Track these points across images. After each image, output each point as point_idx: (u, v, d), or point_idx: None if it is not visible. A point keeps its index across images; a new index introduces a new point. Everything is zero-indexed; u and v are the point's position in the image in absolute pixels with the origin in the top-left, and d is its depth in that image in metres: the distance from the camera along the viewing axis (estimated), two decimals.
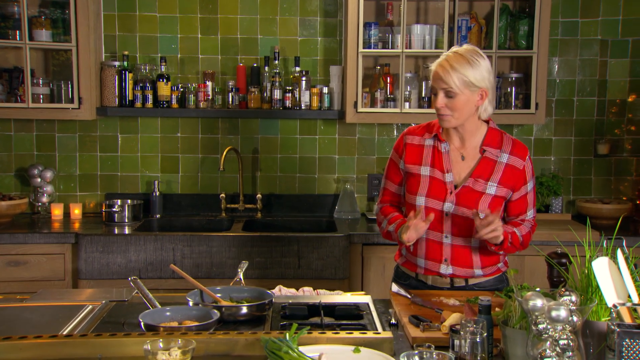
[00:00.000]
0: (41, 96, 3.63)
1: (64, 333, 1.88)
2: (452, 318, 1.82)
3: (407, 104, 3.79)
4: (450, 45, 3.68)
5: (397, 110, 3.75)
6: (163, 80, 3.77)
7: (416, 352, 1.60)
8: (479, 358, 1.53)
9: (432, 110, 3.73)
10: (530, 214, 2.33)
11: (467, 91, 2.20)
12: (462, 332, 1.56)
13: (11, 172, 3.89)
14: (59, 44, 3.64)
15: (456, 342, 1.57)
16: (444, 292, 2.28)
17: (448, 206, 2.28)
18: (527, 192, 2.30)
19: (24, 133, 3.87)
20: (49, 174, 3.79)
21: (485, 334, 1.55)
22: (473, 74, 2.18)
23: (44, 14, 3.64)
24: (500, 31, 3.73)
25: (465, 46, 2.26)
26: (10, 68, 3.70)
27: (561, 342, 1.37)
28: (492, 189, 2.26)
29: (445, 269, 2.31)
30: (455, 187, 2.29)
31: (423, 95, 3.84)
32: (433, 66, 2.25)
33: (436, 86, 2.23)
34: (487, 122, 2.34)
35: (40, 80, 3.63)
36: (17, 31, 3.57)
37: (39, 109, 3.60)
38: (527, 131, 4.04)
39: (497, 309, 1.84)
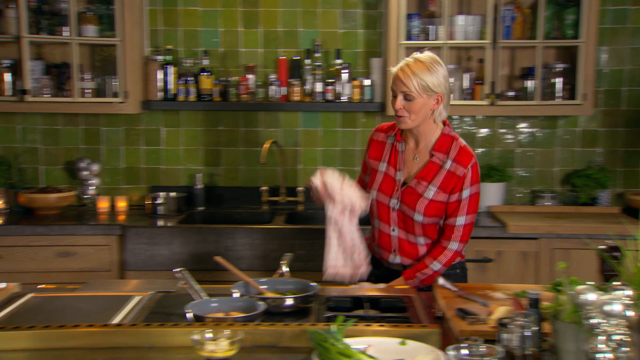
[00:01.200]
0: (88, 90, 3.70)
1: (115, 322, 1.92)
2: (499, 311, 1.80)
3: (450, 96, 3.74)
4: (494, 36, 3.62)
5: None
6: (205, 74, 3.81)
7: (464, 345, 1.58)
8: (528, 352, 1.51)
9: (474, 102, 3.73)
10: (460, 220, 2.41)
11: (424, 95, 2.34)
12: (511, 326, 1.54)
13: (59, 165, 3.98)
14: (104, 39, 3.71)
15: (504, 335, 1.55)
16: (490, 285, 2.26)
17: (394, 202, 2.47)
18: (461, 198, 2.40)
19: (71, 127, 3.95)
20: (95, 167, 3.87)
21: (536, 328, 1.53)
22: (431, 79, 2.33)
23: (90, 9, 3.70)
24: (546, 21, 3.66)
25: (426, 53, 2.40)
26: (59, 63, 3.78)
27: (615, 337, 1.34)
28: (430, 192, 2.41)
29: (393, 258, 2.52)
30: (403, 185, 2.46)
31: (466, 87, 3.79)
32: (394, 70, 2.39)
33: (396, 89, 2.37)
34: (444, 124, 2.47)
35: (87, 75, 3.70)
36: (65, 27, 3.64)
37: (85, 104, 3.68)
38: (573, 123, 3.97)
39: (544, 302, 1.81)
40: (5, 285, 2.19)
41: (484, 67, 3.71)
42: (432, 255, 2.44)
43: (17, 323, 1.87)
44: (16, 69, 3.68)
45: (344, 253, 2.42)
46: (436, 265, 2.43)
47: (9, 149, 3.93)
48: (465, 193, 2.40)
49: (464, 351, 1.56)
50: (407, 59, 2.38)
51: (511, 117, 3.97)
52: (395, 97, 2.37)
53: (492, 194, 3.84)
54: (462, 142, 2.45)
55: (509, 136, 4.01)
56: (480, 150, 4.01)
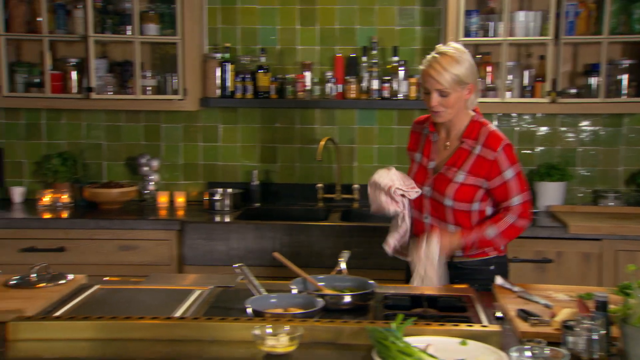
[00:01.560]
0: (149, 88, 3.78)
1: (177, 315, 1.96)
2: (563, 313, 1.76)
3: (508, 94, 3.69)
4: (557, 32, 3.54)
5: (497, 99, 3.66)
6: (263, 71, 3.85)
7: (527, 346, 1.56)
8: (596, 356, 1.48)
9: (535, 100, 3.66)
10: (515, 200, 2.42)
11: (458, 88, 2.38)
12: (577, 329, 1.51)
13: (121, 161, 4.08)
14: (165, 37, 3.79)
15: (570, 338, 1.52)
16: (551, 286, 2.22)
17: (427, 190, 2.51)
18: (505, 180, 2.41)
19: (132, 124, 4.05)
20: (155, 163, 3.96)
21: (603, 332, 1.49)
22: (462, 71, 2.36)
23: (152, 9, 3.79)
24: (612, 15, 3.55)
25: (450, 44, 2.44)
26: (121, 62, 3.88)
27: None
28: (460, 177, 2.44)
29: None
30: (435, 173, 2.50)
31: (526, 84, 3.72)
32: (424, 67, 2.41)
33: (430, 87, 2.39)
34: (474, 112, 2.51)
35: (149, 73, 3.79)
36: (128, 26, 3.73)
37: (146, 101, 3.76)
38: (638, 121, 3.84)
39: (612, 306, 1.76)
40: (72, 277, 2.26)
41: (545, 64, 3.62)
42: (492, 220, 2.45)
43: (85, 314, 1.93)
44: (82, 68, 3.80)
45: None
46: (492, 230, 2.42)
47: (75, 145, 4.06)
48: (508, 174, 2.41)
49: (527, 353, 1.54)
50: (434, 54, 2.40)
51: (573, 115, 3.87)
52: (428, 93, 2.40)
53: (551, 193, 3.75)
54: (492, 127, 2.48)
55: (570, 134, 3.91)
56: (539, 148, 3.93)
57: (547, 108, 3.66)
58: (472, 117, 2.49)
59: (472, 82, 2.41)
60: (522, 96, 3.72)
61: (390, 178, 2.52)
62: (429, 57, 2.41)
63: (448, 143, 2.51)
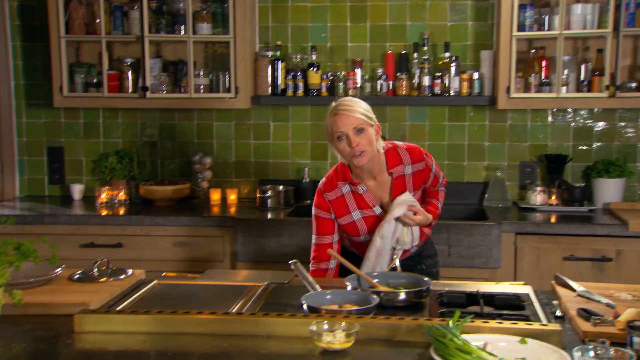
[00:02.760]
0: (201, 86, 3.84)
1: (234, 311, 1.99)
2: (628, 313, 1.72)
3: (564, 89, 3.61)
4: (617, 24, 3.44)
5: (553, 95, 3.58)
6: (313, 69, 3.86)
7: (590, 346, 1.53)
8: None
9: (592, 94, 3.56)
10: (441, 181, 2.73)
11: (370, 124, 2.46)
12: None
13: (175, 159, 4.16)
14: (218, 37, 3.84)
15: (636, 339, 1.49)
16: (613, 285, 2.16)
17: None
18: (434, 172, 2.63)
19: (186, 122, 4.12)
20: (208, 161, 4.01)
21: None
22: (367, 110, 2.47)
23: (204, 8, 3.84)
24: None
25: (346, 97, 2.54)
26: (175, 61, 3.95)
27: None
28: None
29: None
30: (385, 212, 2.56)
31: (582, 79, 3.63)
32: (331, 116, 2.45)
33: (345, 130, 2.42)
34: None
35: (201, 72, 3.85)
36: (181, 26, 3.80)
37: (199, 99, 3.82)
38: None
39: None
40: (131, 272, 2.32)
41: (602, 58, 3.53)
42: (433, 196, 2.72)
43: (145, 308, 1.98)
44: (137, 67, 3.88)
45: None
46: (440, 203, 2.73)
47: (130, 143, 4.15)
48: (434, 167, 2.63)
49: (591, 353, 1.51)
50: (334, 104, 2.47)
51: (633, 110, 3.76)
52: (342, 138, 2.44)
53: (610, 190, 3.66)
54: (401, 144, 2.61)
55: (630, 130, 3.80)
56: (596, 144, 3.83)
57: (606, 103, 3.56)
58: (384, 150, 2.56)
59: (376, 122, 2.50)
60: (579, 91, 3.63)
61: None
62: (330, 109, 2.48)
63: (379, 184, 2.57)
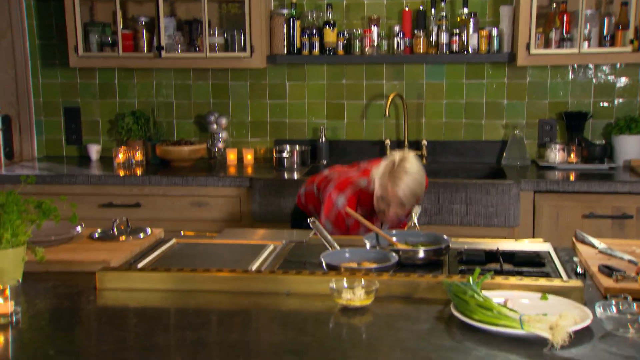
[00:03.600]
0: (216, 45, 3.80)
1: (253, 269, 2.00)
2: None
3: (585, 44, 3.53)
4: None
5: (574, 50, 3.51)
6: (329, 27, 3.80)
7: (612, 302, 1.52)
8: None
9: (615, 49, 3.48)
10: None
11: (415, 201, 2.51)
12: None
13: (190, 119, 4.15)
14: None
15: None
16: (635, 241, 2.14)
17: None
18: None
19: (201, 82, 4.09)
20: (224, 121, 4.00)
21: None
22: (421, 191, 2.51)
23: None
24: None
25: (411, 160, 2.48)
26: (190, 20, 3.91)
27: None
28: None
29: None
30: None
31: (605, 33, 3.55)
32: (393, 184, 2.43)
33: (392, 202, 2.46)
34: None
35: (216, 31, 3.80)
36: None
37: (214, 59, 3.78)
38: None
39: None
40: (151, 231, 2.33)
41: (627, 11, 3.44)
42: None
43: (165, 266, 1.99)
44: (151, 27, 3.84)
45: None
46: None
47: (146, 104, 4.14)
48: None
49: (613, 308, 1.50)
50: (399, 169, 2.44)
51: None
52: (386, 204, 2.47)
53: (631, 147, 3.61)
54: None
55: None
56: (618, 100, 3.76)
57: (629, 57, 3.49)
58: None
59: (422, 193, 2.53)
60: (601, 46, 3.55)
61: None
62: (392, 171, 2.44)
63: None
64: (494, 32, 3.70)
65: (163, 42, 3.74)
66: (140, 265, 2.03)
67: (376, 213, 2.56)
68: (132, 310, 1.76)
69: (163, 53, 3.75)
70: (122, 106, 4.15)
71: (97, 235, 2.27)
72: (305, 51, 3.85)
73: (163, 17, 3.73)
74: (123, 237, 2.25)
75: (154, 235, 2.32)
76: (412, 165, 2.48)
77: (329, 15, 3.84)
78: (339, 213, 2.58)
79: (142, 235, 2.28)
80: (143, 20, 3.88)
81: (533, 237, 3.29)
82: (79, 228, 2.26)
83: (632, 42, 3.42)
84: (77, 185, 3.60)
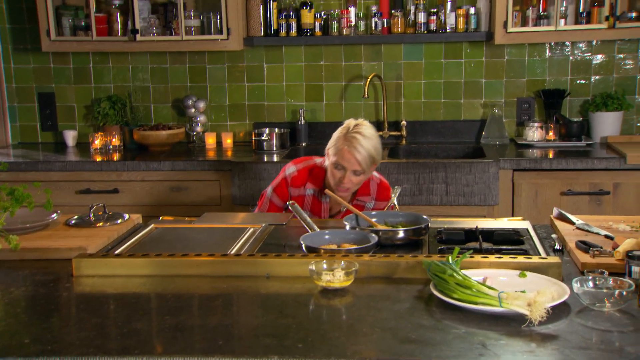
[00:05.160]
0: (192, 28, 3.75)
1: (232, 252, 1.98)
2: (627, 244, 1.72)
3: (562, 21, 3.54)
4: None
5: (551, 28, 3.52)
6: (306, 8, 3.77)
7: (589, 277, 1.53)
8: None
9: (591, 26, 3.49)
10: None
11: (371, 168, 2.49)
12: None
13: (168, 103, 4.10)
14: None
15: (635, 268, 1.49)
16: (611, 217, 2.16)
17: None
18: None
19: (178, 65, 4.04)
20: (202, 105, 3.96)
21: None
22: (377, 153, 2.47)
23: None
24: None
25: (363, 122, 2.49)
26: (165, 2, 3.85)
27: None
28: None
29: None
30: None
31: (581, 11, 3.55)
32: (344, 145, 2.42)
33: (346, 166, 2.43)
34: None
35: (192, 13, 3.75)
36: None
37: (191, 42, 3.73)
38: None
39: None
40: (128, 217, 2.30)
41: None
42: None
43: (143, 251, 1.98)
44: (125, 9, 3.78)
45: None
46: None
47: (122, 88, 4.08)
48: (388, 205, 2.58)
49: (590, 283, 1.51)
50: (354, 133, 2.43)
51: (632, 41, 3.70)
52: (341, 169, 2.44)
53: (608, 123, 3.64)
54: (377, 176, 2.62)
55: (629, 62, 3.75)
56: (595, 77, 3.78)
57: (604, 34, 3.50)
58: None
59: (378, 163, 2.51)
60: (577, 23, 3.56)
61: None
62: (347, 134, 2.44)
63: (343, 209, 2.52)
64: (472, 10, 3.69)
65: (138, 26, 3.68)
66: (117, 251, 2.01)
67: (330, 189, 2.54)
68: (110, 297, 1.74)
69: (138, 36, 3.69)
70: (98, 91, 4.09)
71: (73, 222, 2.24)
72: (283, 33, 3.81)
73: (137, 0, 3.66)
74: (100, 224, 2.22)
75: (132, 220, 2.30)
76: (367, 128, 2.49)
77: None
78: (283, 179, 2.60)
79: (119, 221, 2.26)
80: (117, 2, 3.81)
81: (513, 215, 3.31)
82: (54, 215, 2.23)
83: (607, 18, 3.43)
84: (54, 172, 3.55)
